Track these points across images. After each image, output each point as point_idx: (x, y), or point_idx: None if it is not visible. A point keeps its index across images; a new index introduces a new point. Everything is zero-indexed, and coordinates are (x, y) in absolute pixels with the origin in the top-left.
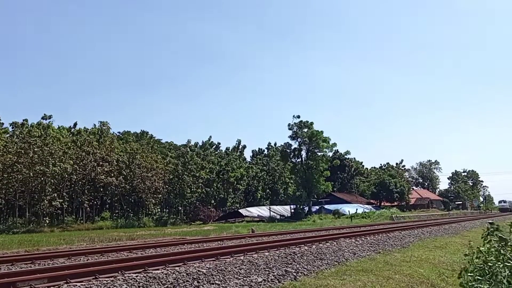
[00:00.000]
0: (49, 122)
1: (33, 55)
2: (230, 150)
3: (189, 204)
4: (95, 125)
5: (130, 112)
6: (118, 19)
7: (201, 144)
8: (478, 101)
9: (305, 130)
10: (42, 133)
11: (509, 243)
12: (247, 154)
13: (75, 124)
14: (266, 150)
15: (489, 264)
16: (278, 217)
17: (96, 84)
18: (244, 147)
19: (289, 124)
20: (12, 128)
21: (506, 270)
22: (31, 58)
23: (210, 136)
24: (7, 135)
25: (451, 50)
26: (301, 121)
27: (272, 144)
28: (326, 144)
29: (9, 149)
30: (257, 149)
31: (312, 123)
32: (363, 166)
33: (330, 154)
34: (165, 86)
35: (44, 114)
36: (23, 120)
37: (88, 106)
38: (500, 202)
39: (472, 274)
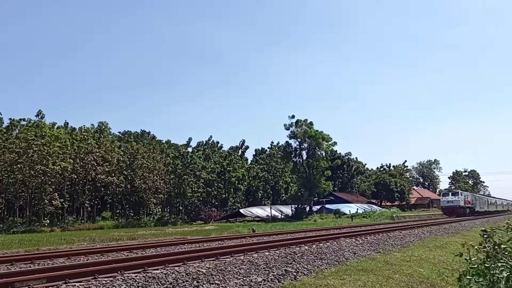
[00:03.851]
0: (44, 120)
1: (32, 54)
2: (232, 150)
3: (190, 204)
4: (93, 125)
5: (131, 111)
6: (118, 18)
7: (202, 143)
8: (479, 101)
9: (304, 128)
10: (40, 132)
11: (502, 246)
12: (250, 154)
13: (67, 124)
14: (268, 150)
15: (486, 265)
16: (279, 216)
17: (96, 84)
18: (247, 147)
19: (285, 125)
20: (11, 125)
21: (504, 272)
22: (31, 57)
23: (211, 136)
24: (7, 134)
25: (451, 50)
26: (298, 120)
27: (275, 144)
28: (326, 143)
29: (9, 148)
30: (260, 148)
31: (311, 123)
32: (364, 165)
33: (331, 152)
34: (166, 86)
35: (38, 111)
36: (21, 118)
37: (88, 106)
38: (444, 195)
39: (470, 277)
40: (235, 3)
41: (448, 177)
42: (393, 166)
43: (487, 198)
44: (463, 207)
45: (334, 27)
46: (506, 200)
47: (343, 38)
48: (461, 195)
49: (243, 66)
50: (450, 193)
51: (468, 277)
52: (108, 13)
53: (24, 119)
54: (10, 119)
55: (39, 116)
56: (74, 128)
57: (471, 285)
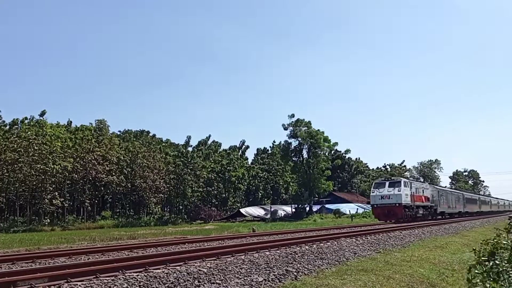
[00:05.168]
0: (45, 118)
1: (33, 53)
2: (231, 150)
3: (190, 204)
4: (91, 123)
5: (131, 110)
6: (118, 17)
7: (201, 142)
8: (480, 100)
9: (304, 128)
10: (40, 131)
11: None
12: (251, 153)
13: (70, 122)
14: (270, 149)
15: (496, 262)
16: (279, 216)
17: (96, 82)
18: (247, 147)
19: (283, 125)
20: (11, 125)
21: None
22: (32, 57)
23: (210, 135)
24: (8, 133)
25: (453, 50)
26: (298, 119)
27: (277, 143)
28: (328, 144)
29: (10, 147)
30: (262, 148)
31: (309, 122)
32: (365, 165)
33: (331, 152)
34: (166, 85)
35: (42, 111)
36: (24, 117)
37: (88, 104)
38: (378, 186)
39: (479, 272)
40: (236, 2)
41: (449, 177)
42: (395, 167)
43: (462, 194)
44: (408, 206)
45: (335, 26)
46: (497, 198)
47: (343, 38)
48: (406, 186)
49: (243, 65)
50: (386, 183)
51: (476, 271)
52: (108, 12)
53: (26, 118)
54: (13, 119)
55: (44, 116)
56: (77, 127)
57: (477, 280)
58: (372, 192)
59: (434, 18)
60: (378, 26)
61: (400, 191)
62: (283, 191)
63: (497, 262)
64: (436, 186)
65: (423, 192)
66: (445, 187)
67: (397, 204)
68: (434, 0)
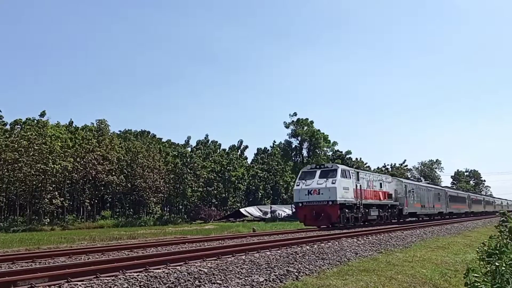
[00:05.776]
0: (46, 119)
1: (33, 52)
2: (231, 150)
3: (190, 203)
4: (92, 123)
5: (131, 110)
6: (118, 17)
7: (200, 142)
8: (480, 101)
9: (305, 128)
10: (41, 131)
11: None
12: (251, 153)
13: (71, 123)
14: (270, 149)
15: (496, 264)
16: (279, 216)
17: (97, 82)
18: (246, 147)
19: (285, 122)
20: (12, 126)
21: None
22: (31, 55)
23: (207, 135)
24: (8, 133)
25: (453, 50)
26: (299, 119)
27: (277, 143)
28: (327, 143)
29: (10, 147)
30: (262, 148)
31: (312, 122)
32: (365, 164)
33: (330, 153)
34: (166, 85)
35: (42, 112)
36: (27, 118)
37: (89, 104)
38: (305, 175)
39: (478, 275)
40: (236, 2)
41: (451, 177)
42: (396, 167)
43: (444, 191)
44: (349, 204)
45: (335, 26)
46: (494, 198)
47: (343, 38)
48: (346, 176)
49: (243, 65)
50: (317, 172)
51: (475, 275)
52: (107, 13)
53: (29, 119)
54: (15, 120)
55: (44, 117)
56: (77, 127)
57: (477, 283)
58: (297, 185)
59: (434, 18)
60: (378, 26)
61: (335, 183)
62: (283, 191)
63: (497, 264)
64: (403, 180)
65: (380, 186)
66: (419, 181)
67: (330, 202)
68: (434, 0)
